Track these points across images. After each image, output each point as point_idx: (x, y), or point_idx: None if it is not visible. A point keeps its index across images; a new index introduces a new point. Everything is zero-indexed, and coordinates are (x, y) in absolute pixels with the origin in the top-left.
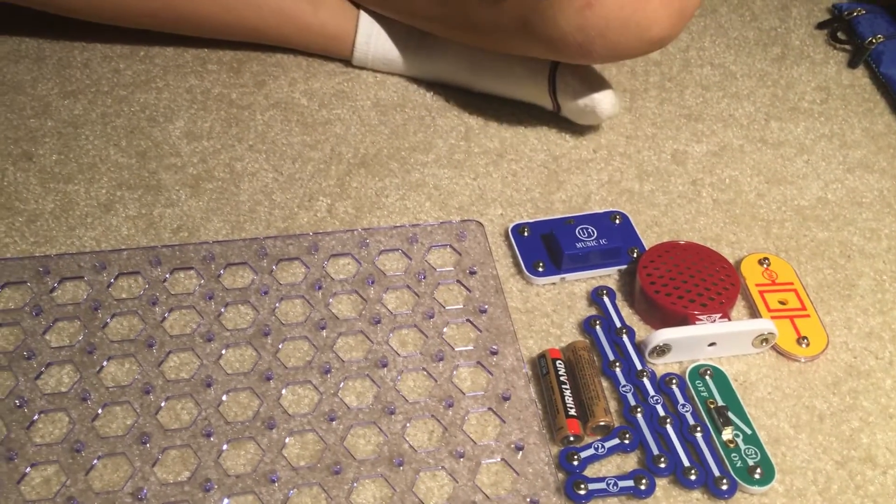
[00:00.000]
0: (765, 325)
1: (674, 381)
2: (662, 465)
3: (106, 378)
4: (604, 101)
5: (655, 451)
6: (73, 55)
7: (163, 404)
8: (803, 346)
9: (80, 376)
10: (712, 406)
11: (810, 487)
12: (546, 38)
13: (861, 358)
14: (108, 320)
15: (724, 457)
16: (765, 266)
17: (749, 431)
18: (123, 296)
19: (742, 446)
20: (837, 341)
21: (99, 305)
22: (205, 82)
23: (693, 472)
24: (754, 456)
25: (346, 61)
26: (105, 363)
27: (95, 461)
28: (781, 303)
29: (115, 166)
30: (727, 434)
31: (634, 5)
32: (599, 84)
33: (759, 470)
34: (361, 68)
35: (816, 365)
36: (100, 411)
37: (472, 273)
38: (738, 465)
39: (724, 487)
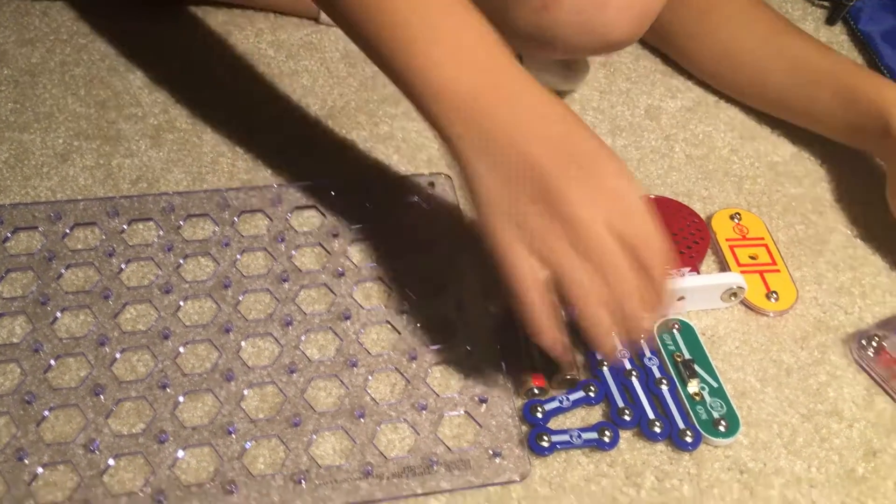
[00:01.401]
0: (734, 279)
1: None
2: (627, 418)
3: (60, 329)
4: (566, 81)
5: (620, 404)
6: (31, 3)
7: (118, 356)
8: (772, 300)
9: (33, 327)
10: (679, 359)
11: (775, 440)
12: (507, 31)
13: (830, 313)
14: (63, 271)
15: (689, 409)
16: (736, 221)
17: (715, 385)
18: (79, 247)
19: (708, 399)
20: (807, 296)
21: (53, 256)
22: (167, 32)
23: (657, 424)
24: (720, 409)
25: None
26: (59, 314)
27: (47, 412)
28: (752, 258)
29: (72, 116)
30: (693, 387)
31: (591, 11)
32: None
33: (723, 422)
34: (329, 25)
35: (785, 319)
36: (52, 363)
37: (440, 226)
38: (703, 417)
39: (689, 440)
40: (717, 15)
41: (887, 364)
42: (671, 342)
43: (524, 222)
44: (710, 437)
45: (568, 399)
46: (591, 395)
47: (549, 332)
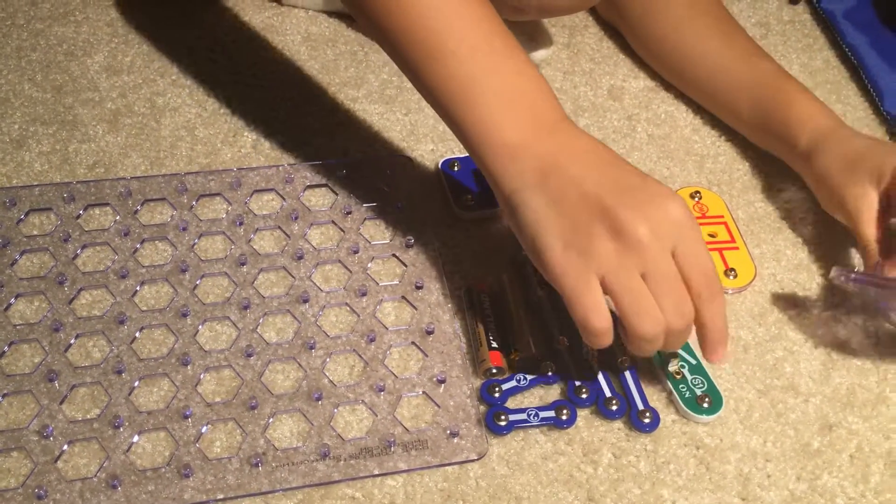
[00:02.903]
0: None
1: None
2: (584, 396)
3: (13, 316)
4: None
5: (577, 383)
6: None
7: (72, 342)
8: (731, 277)
9: None
10: None
11: (731, 416)
12: None
13: (788, 289)
14: (17, 257)
15: (672, 388)
16: (696, 199)
17: (694, 362)
18: (34, 232)
19: (689, 377)
20: (766, 273)
21: (7, 242)
22: (126, 16)
23: (614, 402)
24: (701, 385)
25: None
26: (13, 300)
27: (0, 399)
28: (711, 236)
29: (28, 101)
30: (673, 366)
31: None
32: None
33: (707, 399)
34: (292, 6)
35: (744, 296)
36: (6, 349)
37: (400, 208)
38: (686, 395)
39: (647, 421)
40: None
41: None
42: None
43: (585, 249)
44: (695, 414)
45: (525, 378)
46: (549, 374)
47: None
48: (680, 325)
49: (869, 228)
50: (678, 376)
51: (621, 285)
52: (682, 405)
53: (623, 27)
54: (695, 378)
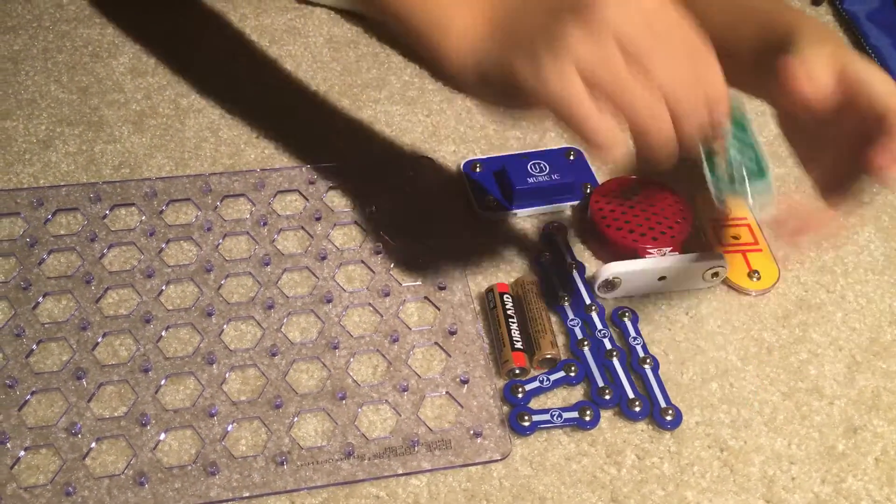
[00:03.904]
0: (715, 258)
1: (626, 314)
2: (607, 397)
3: (41, 314)
4: None
5: (601, 384)
6: None
7: (100, 340)
8: (754, 279)
9: (15, 312)
10: None
11: (756, 418)
12: None
13: (812, 291)
14: (45, 256)
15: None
16: None
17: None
18: (61, 232)
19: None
20: (789, 275)
21: (35, 241)
22: (151, 18)
23: (637, 403)
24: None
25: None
26: (41, 299)
27: (29, 396)
28: (734, 237)
29: (55, 102)
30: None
31: None
32: None
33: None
34: (315, 4)
35: (767, 298)
36: (34, 347)
37: (423, 209)
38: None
39: (669, 418)
40: None
41: None
42: None
43: (549, 47)
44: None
45: (548, 379)
46: (572, 374)
47: (600, 129)
48: (677, 86)
49: None
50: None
51: (593, 64)
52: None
53: None
54: (737, 157)
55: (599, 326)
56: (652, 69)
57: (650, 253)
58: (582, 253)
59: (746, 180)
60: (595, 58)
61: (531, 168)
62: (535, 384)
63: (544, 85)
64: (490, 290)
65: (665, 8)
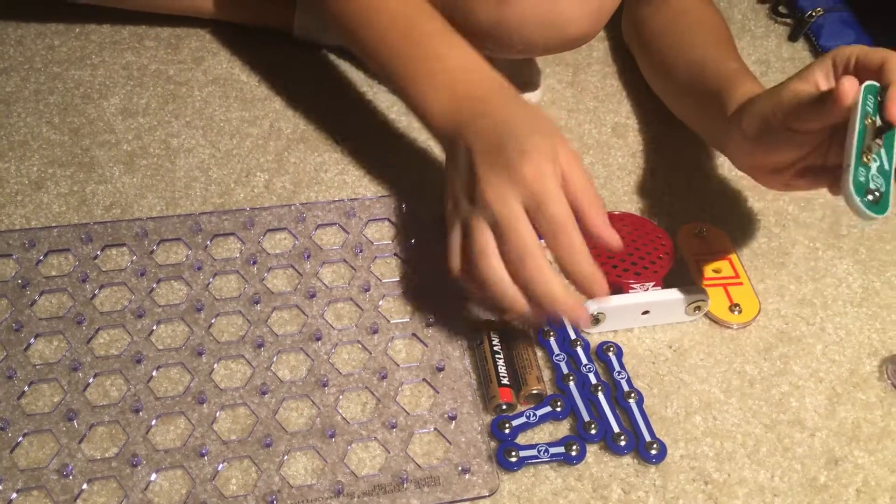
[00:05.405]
0: (697, 293)
1: (611, 349)
2: (593, 432)
3: (33, 356)
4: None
5: (586, 418)
6: (6, 31)
7: (91, 381)
8: (735, 313)
9: (7, 354)
10: (870, 122)
11: (739, 450)
12: (467, 30)
13: (792, 324)
14: (37, 297)
15: (852, 162)
16: (700, 235)
17: (887, 167)
18: (53, 273)
19: (873, 168)
20: (770, 308)
21: (27, 283)
22: (142, 59)
23: (623, 437)
24: (879, 184)
25: (287, 37)
26: (32, 340)
27: (20, 438)
28: (715, 271)
29: (47, 143)
30: (874, 148)
31: (549, 4)
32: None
33: (876, 194)
34: (303, 42)
35: (749, 331)
36: (26, 389)
37: (410, 246)
38: (860, 178)
39: (654, 452)
40: (676, 22)
41: None
42: (871, 105)
43: (458, 204)
44: (858, 199)
45: (535, 414)
46: (558, 409)
47: (490, 273)
48: (518, 263)
49: (821, 67)
50: (866, 159)
51: (471, 230)
52: (850, 185)
53: (638, 50)
54: (878, 177)
55: (585, 361)
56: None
57: (633, 288)
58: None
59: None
60: (504, 216)
61: None
62: (522, 419)
63: (463, 221)
64: (477, 326)
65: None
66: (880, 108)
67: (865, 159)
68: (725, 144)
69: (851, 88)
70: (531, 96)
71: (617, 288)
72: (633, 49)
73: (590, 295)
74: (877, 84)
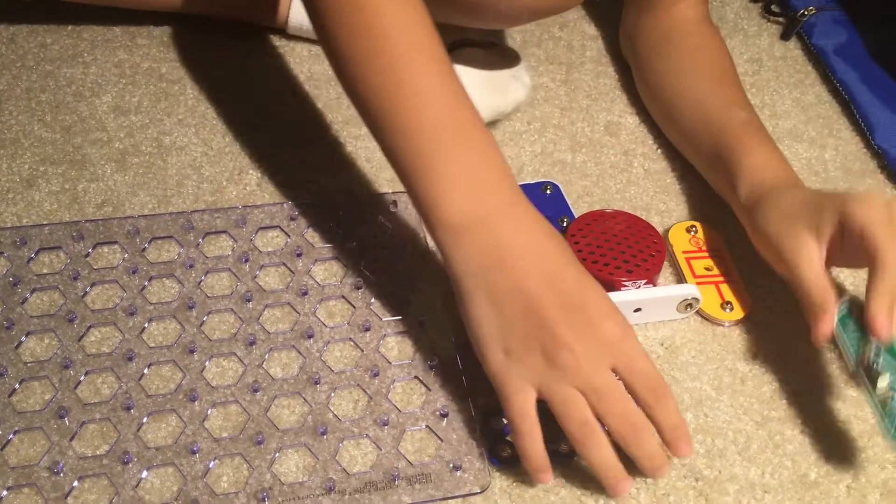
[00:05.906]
0: (689, 290)
1: None
2: None
3: (24, 353)
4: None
5: None
6: None
7: (82, 378)
8: (727, 310)
9: None
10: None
11: (730, 447)
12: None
13: (783, 321)
14: (28, 295)
15: (878, 412)
16: (692, 234)
17: None
18: (44, 271)
19: None
20: (761, 306)
21: (18, 281)
22: (134, 57)
23: None
24: None
25: (280, 35)
26: (23, 338)
27: (11, 436)
28: (707, 269)
29: (38, 141)
30: (882, 383)
31: None
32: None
33: None
34: (297, 38)
35: (740, 329)
36: (17, 386)
37: (403, 244)
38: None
39: None
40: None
41: None
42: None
43: (521, 358)
44: None
45: None
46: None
47: (535, 460)
48: (630, 434)
49: (808, 272)
50: (887, 397)
51: (554, 396)
52: (892, 438)
53: (633, 64)
54: None
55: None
56: (601, 411)
57: (625, 286)
58: None
59: None
60: (549, 385)
61: None
62: None
63: (501, 383)
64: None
65: (625, 340)
66: (859, 319)
67: (883, 390)
68: (740, 220)
69: (826, 330)
70: (519, 95)
71: (609, 286)
72: (630, 63)
73: (680, 453)
74: (846, 302)
